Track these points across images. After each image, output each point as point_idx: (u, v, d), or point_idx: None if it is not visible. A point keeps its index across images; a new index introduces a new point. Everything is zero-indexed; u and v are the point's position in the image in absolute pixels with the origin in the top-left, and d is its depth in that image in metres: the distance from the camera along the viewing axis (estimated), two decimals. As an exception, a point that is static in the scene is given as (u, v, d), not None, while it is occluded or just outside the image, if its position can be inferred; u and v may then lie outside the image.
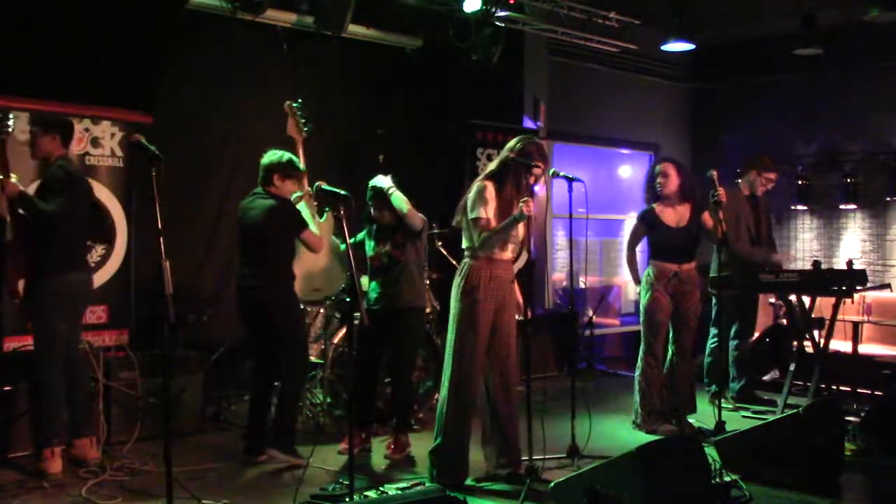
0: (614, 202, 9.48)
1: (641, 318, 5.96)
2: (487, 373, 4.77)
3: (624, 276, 9.80)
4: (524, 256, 5.03)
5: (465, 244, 4.75)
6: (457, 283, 4.71)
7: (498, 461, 4.82)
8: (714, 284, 6.41)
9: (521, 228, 4.71)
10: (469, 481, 4.73)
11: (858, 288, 6.06)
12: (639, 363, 5.97)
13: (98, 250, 5.68)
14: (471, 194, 4.67)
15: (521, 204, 4.48)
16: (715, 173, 5.87)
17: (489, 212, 4.59)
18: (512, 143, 4.74)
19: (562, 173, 5.07)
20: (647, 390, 5.91)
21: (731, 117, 9.82)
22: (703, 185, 6.00)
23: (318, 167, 5.91)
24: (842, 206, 8.82)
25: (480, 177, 4.76)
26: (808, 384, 6.24)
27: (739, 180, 7.08)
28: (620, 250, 9.96)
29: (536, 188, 4.83)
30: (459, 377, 4.64)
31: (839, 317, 6.15)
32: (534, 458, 4.64)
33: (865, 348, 7.12)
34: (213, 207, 6.59)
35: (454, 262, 6.42)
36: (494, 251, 4.65)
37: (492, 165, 4.77)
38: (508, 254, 4.76)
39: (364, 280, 5.50)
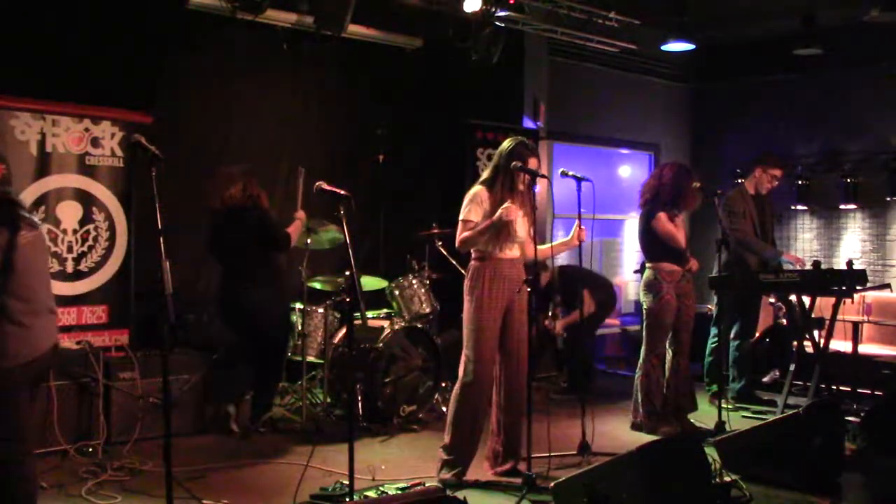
0: (614, 202, 9.48)
1: (647, 320, 5.93)
2: (500, 373, 4.80)
3: (624, 276, 9.81)
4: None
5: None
6: (465, 285, 4.79)
7: (498, 461, 4.87)
8: (714, 284, 6.41)
9: (520, 228, 4.72)
10: (472, 479, 4.75)
11: (858, 288, 6.06)
12: (641, 364, 5.95)
13: (98, 250, 5.69)
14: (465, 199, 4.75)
15: (501, 209, 4.52)
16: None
17: (477, 215, 4.64)
18: (503, 145, 4.76)
19: (570, 173, 5.07)
20: (649, 391, 5.90)
21: (731, 117, 9.82)
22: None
23: (318, 167, 5.93)
24: (842, 206, 8.82)
25: (477, 182, 4.82)
26: (808, 384, 6.24)
27: (740, 180, 7.09)
28: (621, 250, 9.99)
29: (538, 189, 4.84)
30: (469, 377, 4.69)
31: (839, 317, 6.14)
32: (541, 455, 4.67)
33: (865, 348, 7.11)
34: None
35: (454, 263, 6.44)
36: (497, 251, 4.68)
37: (486, 172, 4.81)
38: (515, 252, 4.77)
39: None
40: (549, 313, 7.24)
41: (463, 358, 4.74)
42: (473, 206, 4.67)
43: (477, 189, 4.73)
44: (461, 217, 4.68)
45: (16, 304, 3.50)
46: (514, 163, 4.63)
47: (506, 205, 4.53)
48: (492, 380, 4.78)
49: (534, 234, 4.81)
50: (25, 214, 3.62)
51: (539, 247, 4.82)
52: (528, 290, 4.70)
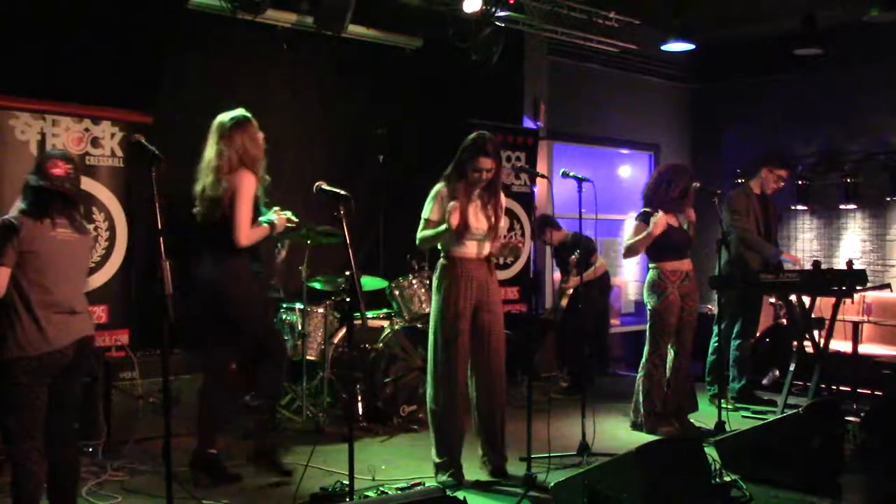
0: (614, 202, 9.47)
1: (651, 320, 5.92)
2: (472, 372, 4.80)
3: (624, 276, 9.81)
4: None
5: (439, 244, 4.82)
6: (433, 284, 4.80)
7: (483, 460, 4.87)
8: (714, 284, 6.41)
9: (480, 222, 4.68)
10: (472, 480, 4.75)
11: (858, 288, 6.07)
12: (643, 363, 5.95)
13: (98, 249, 5.69)
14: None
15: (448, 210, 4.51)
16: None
17: (436, 214, 4.67)
18: (466, 140, 4.72)
19: (571, 173, 5.07)
20: (651, 391, 5.90)
21: (731, 117, 9.83)
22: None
23: (318, 167, 5.93)
24: (842, 206, 8.83)
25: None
26: (808, 384, 6.25)
27: (741, 180, 7.09)
28: (620, 250, 9.97)
29: (537, 189, 4.83)
30: (437, 375, 4.71)
31: (839, 317, 6.16)
32: (541, 455, 4.68)
33: (865, 348, 7.12)
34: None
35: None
36: (460, 250, 4.68)
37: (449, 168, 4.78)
38: (483, 252, 4.76)
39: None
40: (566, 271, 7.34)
41: (429, 360, 4.76)
42: (434, 204, 4.70)
43: (438, 187, 4.73)
44: (423, 216, 4.72)
45: (34, 297, 3.59)
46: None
47: (451, 204, 4.53)
48: (464, 378, 4.76)
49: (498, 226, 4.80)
50: (77, 216, 3.80)
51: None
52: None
